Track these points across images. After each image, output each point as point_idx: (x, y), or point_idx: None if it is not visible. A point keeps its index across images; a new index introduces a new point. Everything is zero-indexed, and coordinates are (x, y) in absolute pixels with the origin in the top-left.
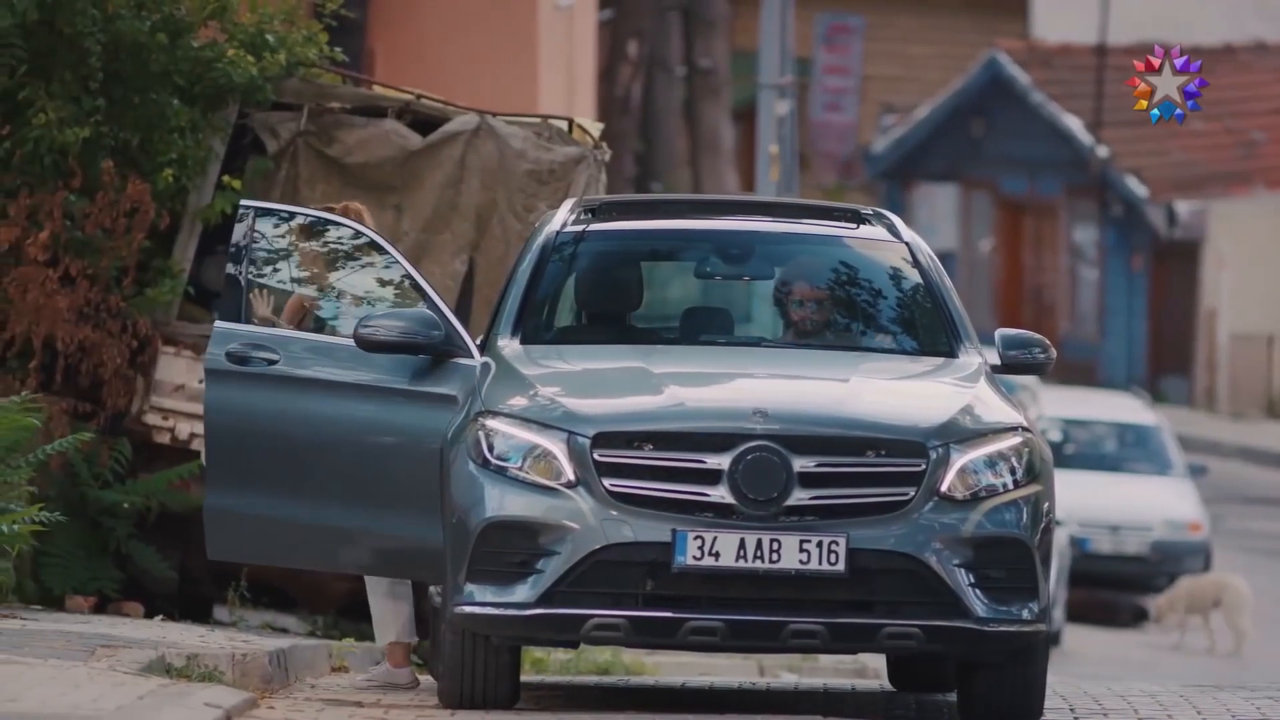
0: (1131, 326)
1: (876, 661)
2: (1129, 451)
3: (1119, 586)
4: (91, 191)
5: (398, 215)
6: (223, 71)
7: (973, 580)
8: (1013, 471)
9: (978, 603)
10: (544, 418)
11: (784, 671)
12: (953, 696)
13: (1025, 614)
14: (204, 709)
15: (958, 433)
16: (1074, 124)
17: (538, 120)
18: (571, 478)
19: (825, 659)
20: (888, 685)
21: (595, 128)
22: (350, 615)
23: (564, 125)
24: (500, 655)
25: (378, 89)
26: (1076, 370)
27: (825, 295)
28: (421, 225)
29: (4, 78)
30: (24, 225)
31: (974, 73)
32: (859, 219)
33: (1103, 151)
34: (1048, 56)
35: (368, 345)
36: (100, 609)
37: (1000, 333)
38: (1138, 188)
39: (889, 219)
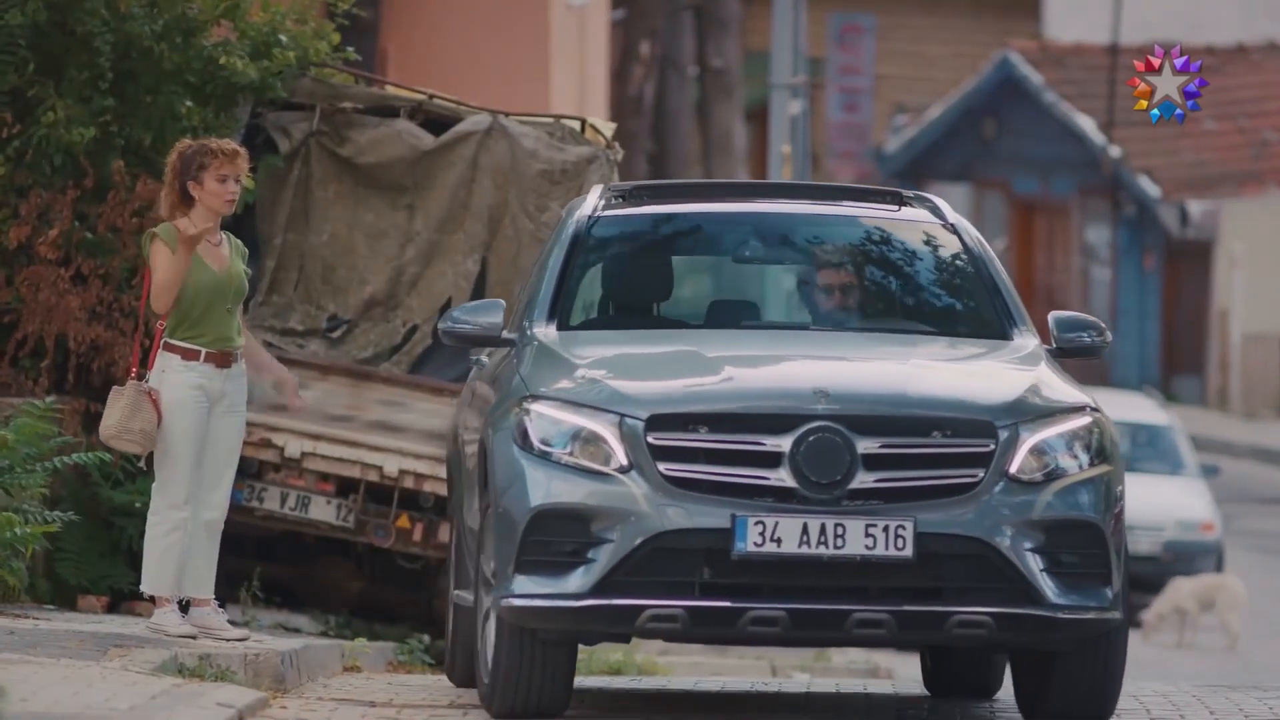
0: (1144, 326)
1: (890, 661)
2: (1141, 451)
3: (1131, 586)
4: (103, 191)
5: (410, 215)
6: (234, 68)
7: (1044, 565)
8: (1085, 451)
9: (1050, 589)
10: (593, 400)
11: (796, 672)
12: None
13: (1099, 601)
14: (216, 709)
15: (1026, 412)
16: (1086, 124)
17: (550, 120)
18: (624, 462)
19: (836, 658)
20: (909, 688)
21: (607, 128)
22: (362, 615)
23: (576, 125)
24: (553, 655)
25: (390, 89)
26: (1089, 370)
27: (869, 279)
28: (434, 225)
29: (14, 77)
30: (35, 224)
31: (986, 73)
32: (900, 201)
33: (1115, 151)
34: (1060, 56)
35: (450, 339)
36: (113, 609)
37: (1054, 315)
38: (1150, 188)
39: (931, 201)
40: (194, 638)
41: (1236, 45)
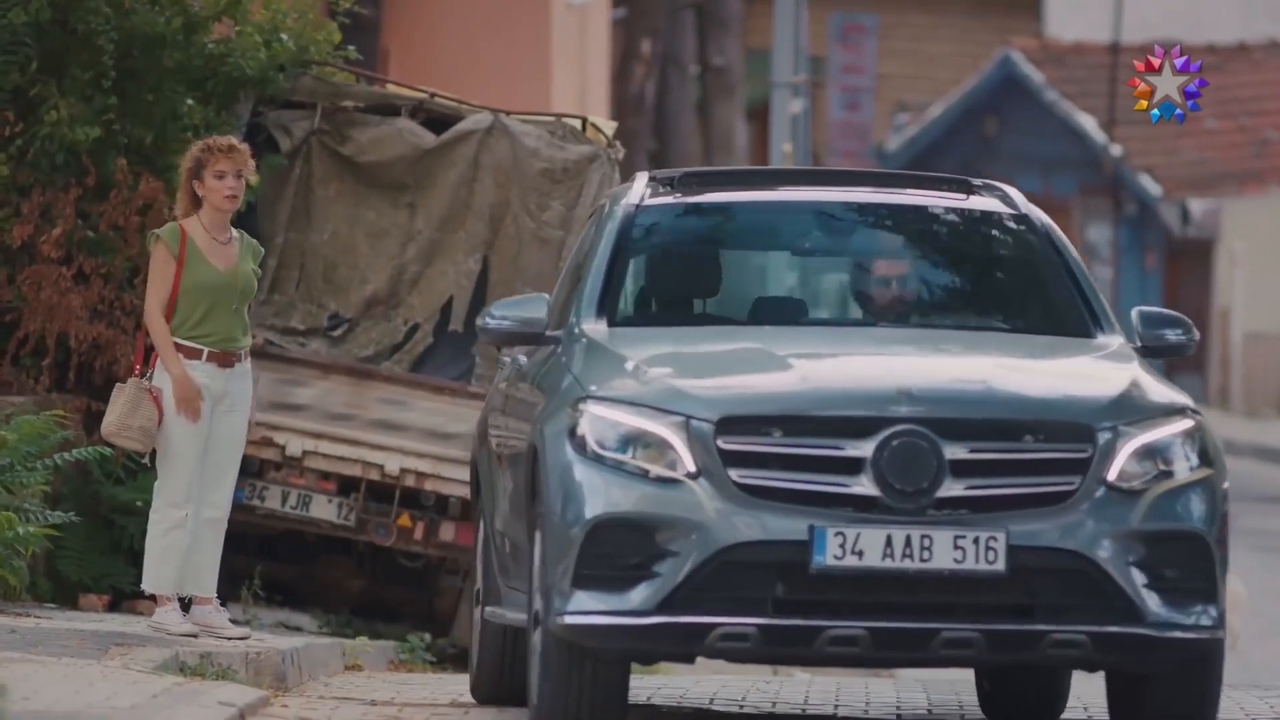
0: None
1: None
2: None
3: None
4: (104, 189)
5: (411, 214)
6: (235, 65)
7: (1146, 580)
8: (1186, 458)
9: (1151, 606)
10: (655, 400)
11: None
12: None
13: (1203, 619)
14: (218, 707)
15: (1125, 414)
16: (1087, 122)
17: (551, 119)
18: (691, 468)
19: None
20: (910, 688)
21: (609, 126)
22: (363, 614)
23: (577, 124)
24: (608, 673)
25: (391, 88)
26: None
27: (938, 272)
28: (435, 224)
29: (17, 75)
30: (37, 223)
31: (987, 71)
32: (968, 189)
33: (1116, 150)
34: (1061, 55)
35: (489, 337)
36: (114, 607)
37: (1139, 311)
38: (1151, 186)
39: (1001, 189)
40: (195, 636)
41: (1237, 44)
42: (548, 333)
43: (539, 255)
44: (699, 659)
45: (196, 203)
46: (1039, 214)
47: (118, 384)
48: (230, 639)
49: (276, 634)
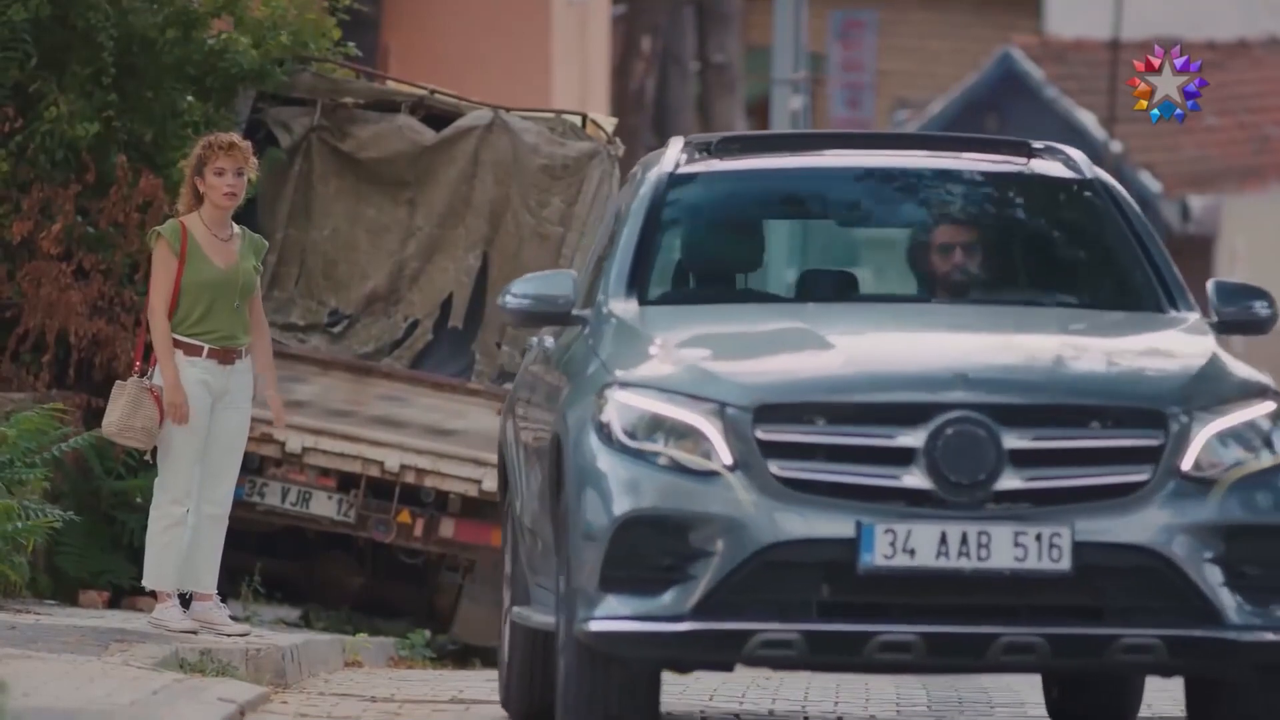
0: None
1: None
2: None
3: None
4: (104, 186)
5: (411, 210)
6: (233, 60)
7: (1224, 579)
8: (1269, 443)
9: (1230, 607)
10: (688, 387)
11: None
12: None
13: None
14: (218, 704)
15: (1201, 398)
16: (1087, 119)
17: (551, 115)
18: (728, 460)
19: None
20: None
21: (609, 123)
22: (363, 610)
23: (577, 120)
24: (639, 683)
25: (391, 84)
26: None
27: (997, 243)
28: (435, 220)
29: (16, 71)
30: (37, 219)
31: (987, 68)
32: (1028, 152)
33: (1116, 147)
34: (1061, 52)
35: (512, 318)
36: (114, 604)
37: (1215, 282)
38: (1151, 183)
39: (1064, 152)
40: (195, 633)
41: (1238, 40)
42: (574, 312)
43: (539, 251)
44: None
45: (199, 199)
46: (1106, 178)
47: (118, 382)
48: (230, 635)
49: (276, 630)
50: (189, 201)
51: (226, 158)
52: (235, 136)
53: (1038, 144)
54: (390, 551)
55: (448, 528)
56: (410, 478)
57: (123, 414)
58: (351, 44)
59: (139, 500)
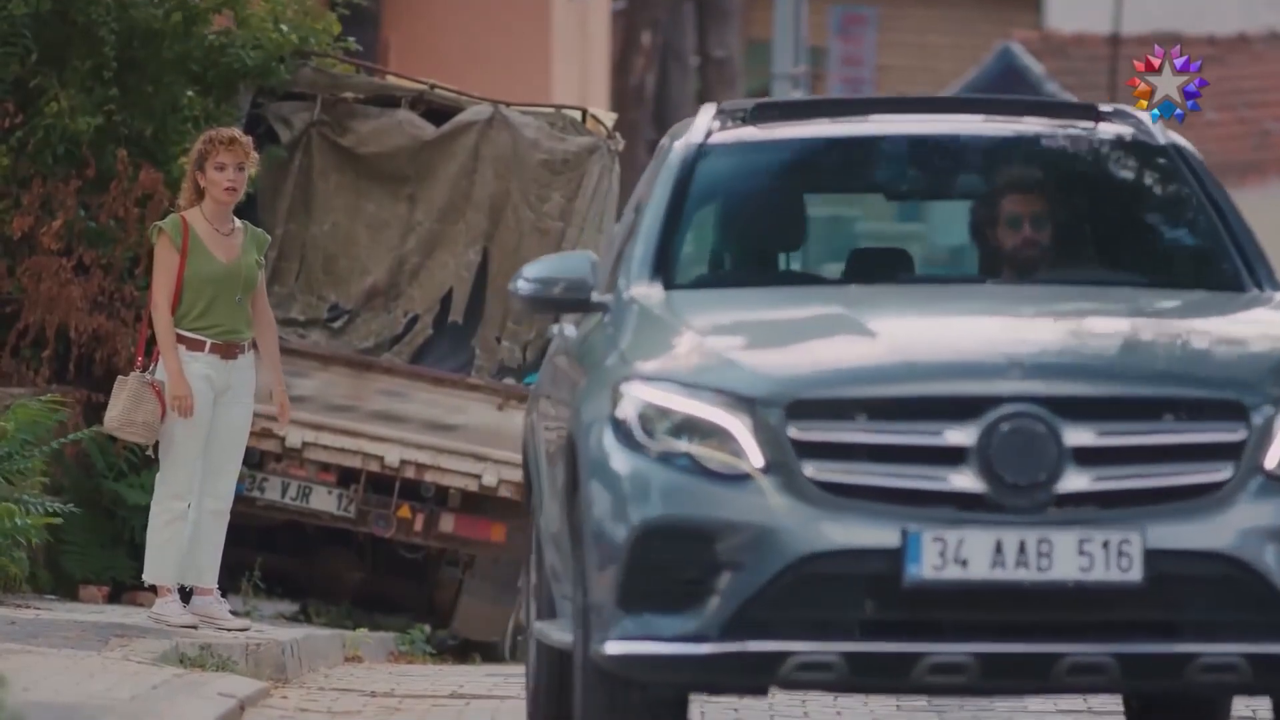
0: None
1: None
2: None
3: None
4: (105, 181)
5: (411, 205)
6: (235, 56)
7: None
8: None
9: None
10: (715, 380)
11: None
12: None
13: None
14: (218, 698)
15: None
16: None
17: (551, 110)
18: (759, 462)
19: None
20: None
21: (609, 117)
22: (363, 605)
23: (577, 115)
24: (663, 708)
25: (391, 79)
26: None
27: (1063, 216)
28: (435, 215)
29: (17, 66)
30: (37, 214)
31: (988, 63)
32: (1096, 116)
33: None
34: (1062, 46)
35: (524, 304)
36: (114, 599)
37: None
38: None
39: (1134, 116)
40: (195, 627)
41: (1238, 35)
42: (593, 298)
43: (539, 246)
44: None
45: (200, 194)
46: (1182, 143)
47: (119, 377)
48: (230, 630)
49: (276, 625)
50: (190, 196)
51: (227, 153)
52: (236, 132)
53: (1106, 107)
54: (390, 546)
55: (448, 523)
56: (410, 473)
57: (124, 409)
58: (352, 39)
59: (139, 496)
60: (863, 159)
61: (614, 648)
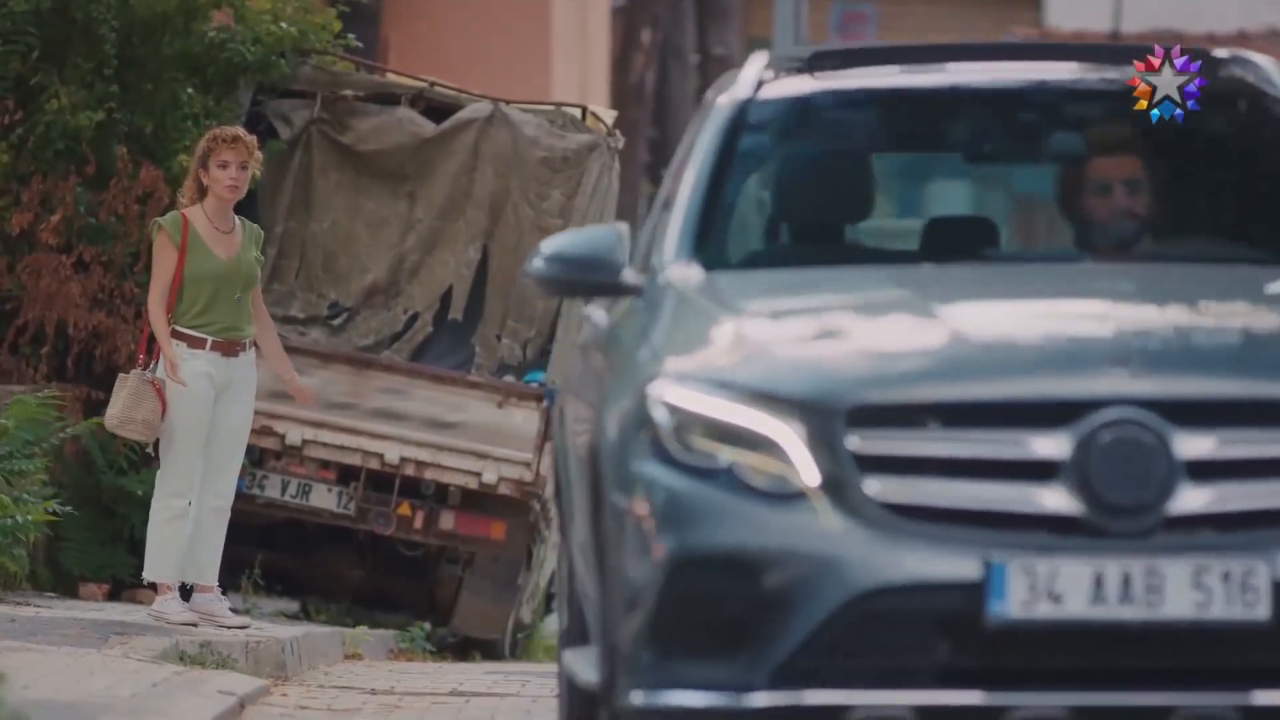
0: None
1: None
2: None
3: None
4: (105, 178)
5: (411, 203)
6: (235, 52)
7: None
8: None
9: None
10: (761, 381)
11: None
12: None
13: None
14: (218, 696)
15: None
16: None
17: (551, 108)
18: (813, 479)
19: None
20: None
21: (609, 115)
22: (363, 603)
23: (577, 113)
24: None
25: (391, 76)
26: None
27: (1171, 184)
28: (435, 213)
29: (17, 63)
30: (37, 211)
31: None
32: (1211, 65)
33: None
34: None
35: (543, 287)
36: (114, 596)
37: None
38: None
39: (1254, 63)
40: (195, 625)
41: (1238, 33)
42: (623, 279)
43: (539, 244)
44: None
45: (203, 191)
46: None
47: (120, 375)
48: (230, 628)
49: (276, 623)
50: (192, 194)
51: (230, 151)
52: (240, 130)
53: (1221, 53)
54: (390, 544)
55: (448, 520)
56: (410, 470)
57: (124, 406)
58: (352, 36)
59: (140, 494)
60: (932, 116)
61: (641, 698)
